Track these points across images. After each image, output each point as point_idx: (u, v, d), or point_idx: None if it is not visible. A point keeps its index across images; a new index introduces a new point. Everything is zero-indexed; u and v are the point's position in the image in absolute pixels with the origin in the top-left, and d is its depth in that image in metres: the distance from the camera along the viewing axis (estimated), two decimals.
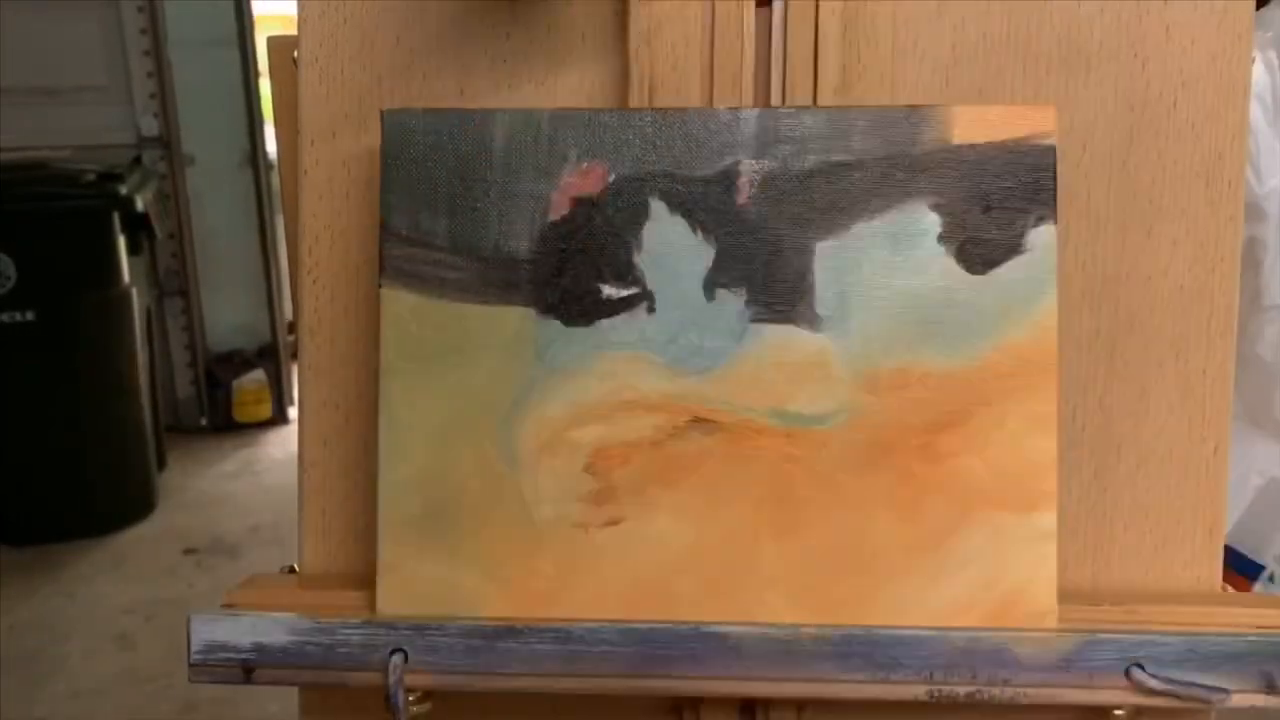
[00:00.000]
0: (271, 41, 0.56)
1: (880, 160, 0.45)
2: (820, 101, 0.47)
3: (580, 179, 0.45)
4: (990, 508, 0.44)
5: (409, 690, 0.44)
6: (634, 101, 0.47)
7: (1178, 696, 0.43)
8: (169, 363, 2.92)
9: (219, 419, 2.95)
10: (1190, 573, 0.48)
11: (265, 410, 2.97)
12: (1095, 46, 0.47)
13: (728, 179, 0.45)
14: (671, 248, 0.45)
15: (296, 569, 0.50)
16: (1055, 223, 0.44)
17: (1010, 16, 0.47)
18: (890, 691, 0.43)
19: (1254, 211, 1.12)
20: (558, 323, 0.45)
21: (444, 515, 0.45)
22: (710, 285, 0.45)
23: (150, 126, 2.81)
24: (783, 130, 0.45)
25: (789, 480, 0.44)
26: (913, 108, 0.45)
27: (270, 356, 3.04)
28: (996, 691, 0.43)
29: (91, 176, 2.34)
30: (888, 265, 0.45)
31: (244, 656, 0.45)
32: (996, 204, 0.45)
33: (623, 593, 0.45)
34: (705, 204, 0.45)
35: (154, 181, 2.69)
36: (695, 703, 0.48)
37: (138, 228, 2.40)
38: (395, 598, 0.45)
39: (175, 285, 2.92)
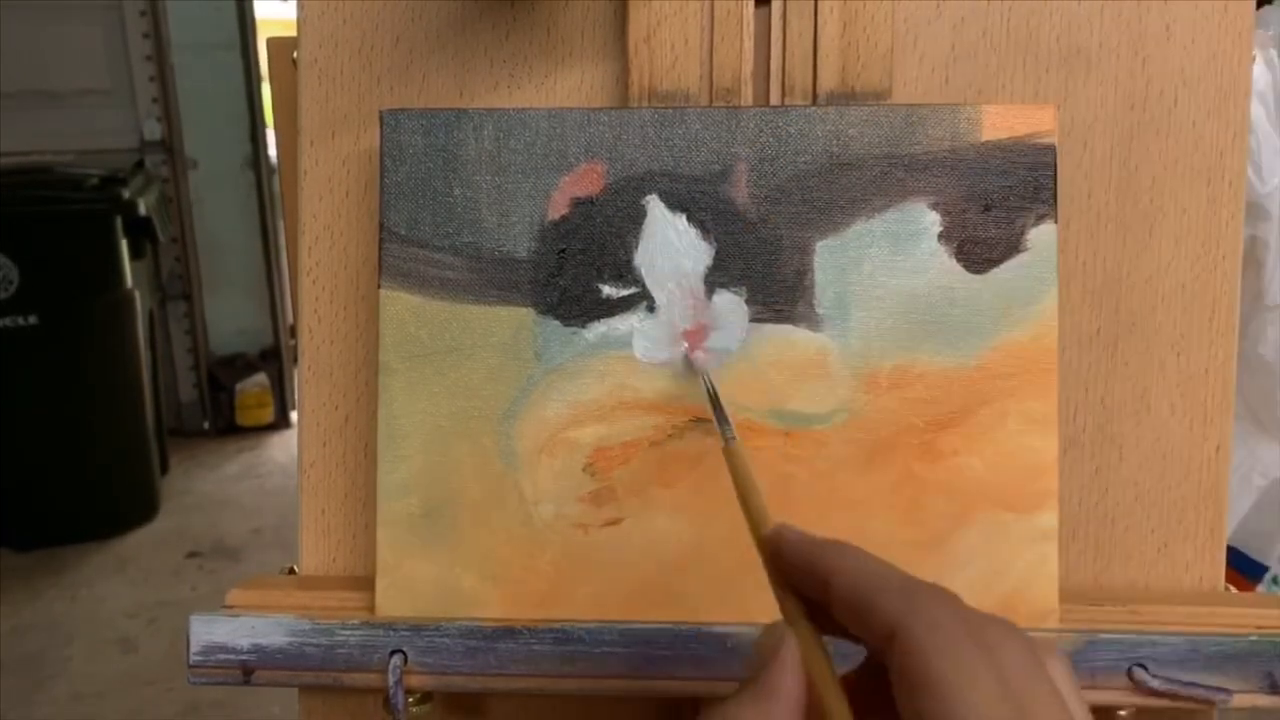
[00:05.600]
0: (271, 42, 0.56)
1: (880, 159, 0.45)
2: (820, 101, 0.47)
3: (579, 179, 0.45)
4: (991, 507, 0.44)
5: (408, 691, 0.44)
6: (633, 101, 0.47)
7: (1180, 697, 0.43)
8: (172, 366, 2.92)
9: (221, 422, 2.96)
10: (1192, 573, 0.48)
11: (268, 414, 2.98)
12: (1095, 45, 0.47)
13: (727, 178, 0.45)
14: (671, 247, 0.45)
15: (296, 570, 0.50)
16: (1056, 222, 0.44)
17: (1010, 15, 0.47)
18: None
19: (1256, 211, 1.12)
20: (557, 322, 0.45)
21: (443, 515, 0.45)
22: (710, 285, 0.45)
23: (153, 130, 2.81)
24: (782, 129, 0.45)
25: (788, 480, 0.44)
26: (912, 107, 0.45)
27: (273, 360, 3.04)
28: None
29: (94, 180, 2.35)
30: (888, 264, 0.45)
31: (243, 658, 0.45)
32: (997, 203, 0.44)
33: (623, 593, 0.45)
34: (705, 203, 0.45)
35: (157, 185, 2.69)
36: (695, 703, 0.48)
37: (140, 231, 2.41)
38: (394, 598, 0.45)
39: (178, 289, 2.93)
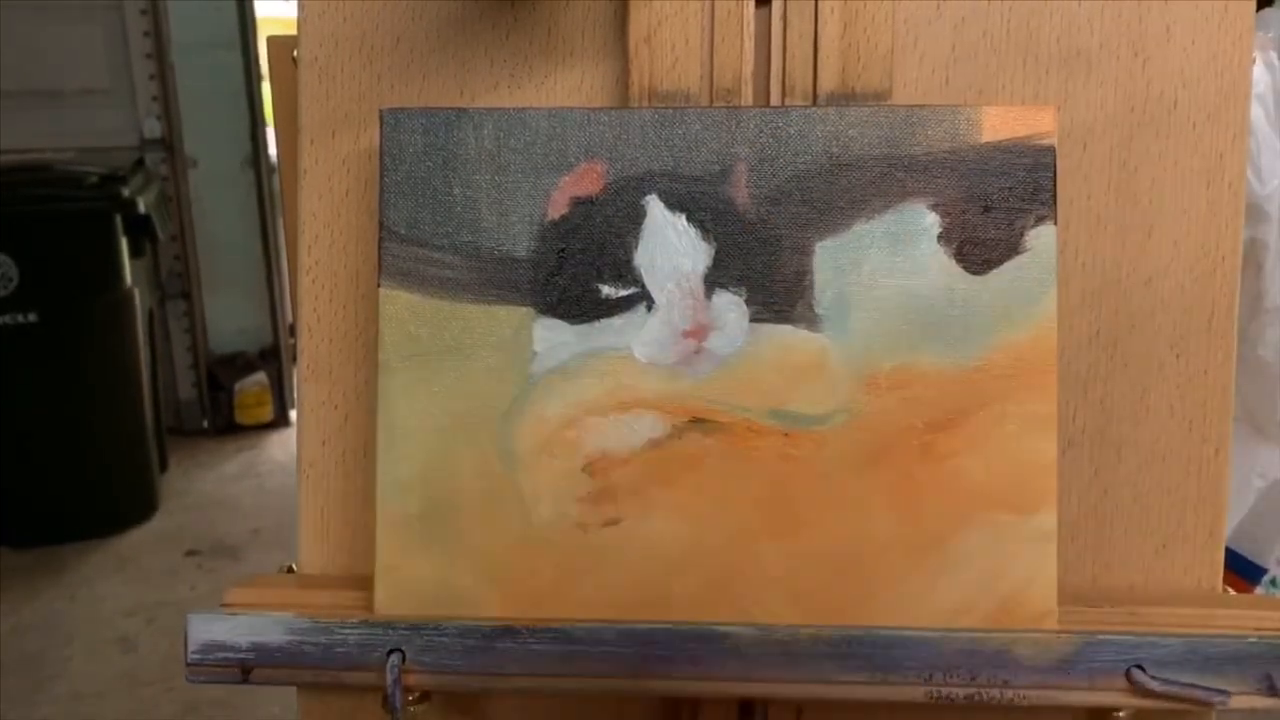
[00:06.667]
0: (271, 41, 0.56)
1: (880, 160, 0.45)
2: (820, 101, 0.47)
3: (579, 178, 0.45)
4: (990, 508, 0.44)
5: (407, 690, 0.44)
6: (634, 101, 0.47)
7: (1178, 698, 0.43)
8: (171, 365, 2.92)
9: (221, 421, 2.95)
10: (1191, 575, 0.48)
11: (267, 412, 2.98)
12: (1095, 46, 0.47)
13: (727, 178, 0.45)
14: (670, 247, 0.45)
15: (295, 569, 0.50)
16: (1055, 223, 0.44)
17: (1010, 16, 0.47)
18: (889, 693, 0.43)
19: (1255, 212, 1.12)
20: (556, 322, 0.45)
21: (442, 515, 0.45)
22: (709, 285, 0.45)
23: (153, 129, 2.81)
24: (782, 130, 0.45)
25: (788, 480, 0.44)
26: (912, 108, 0.45)
27: (272, 359, 3.04)
28: (996, 693, 0.43)
29: (94, 179, 2.34)
30: (887, 265, 0.45)
31: (242, 656, 0.45)
32: (996, 204, 0.44)
33: (621, 593, 0.45)
34: (704, 204, 0.45)
35: (156, 184, 2.69)
36: (694, 703, 0.48)
37: (140, 230, 2.40)
38: (393, 597, 0.45)
39: (177, 287, 2.93)
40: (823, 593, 0.44)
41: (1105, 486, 0.48)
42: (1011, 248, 0.44)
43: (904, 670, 0.43)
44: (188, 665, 0.45)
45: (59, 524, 2.34)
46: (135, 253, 2.38)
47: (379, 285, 0.45)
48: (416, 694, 0.45)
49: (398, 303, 0.45)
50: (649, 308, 0.45)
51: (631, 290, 0.45)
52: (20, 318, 2.23)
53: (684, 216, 0.45)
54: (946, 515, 0.44)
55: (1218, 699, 0.43)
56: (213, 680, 0.45)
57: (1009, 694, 0.43)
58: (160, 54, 2.76)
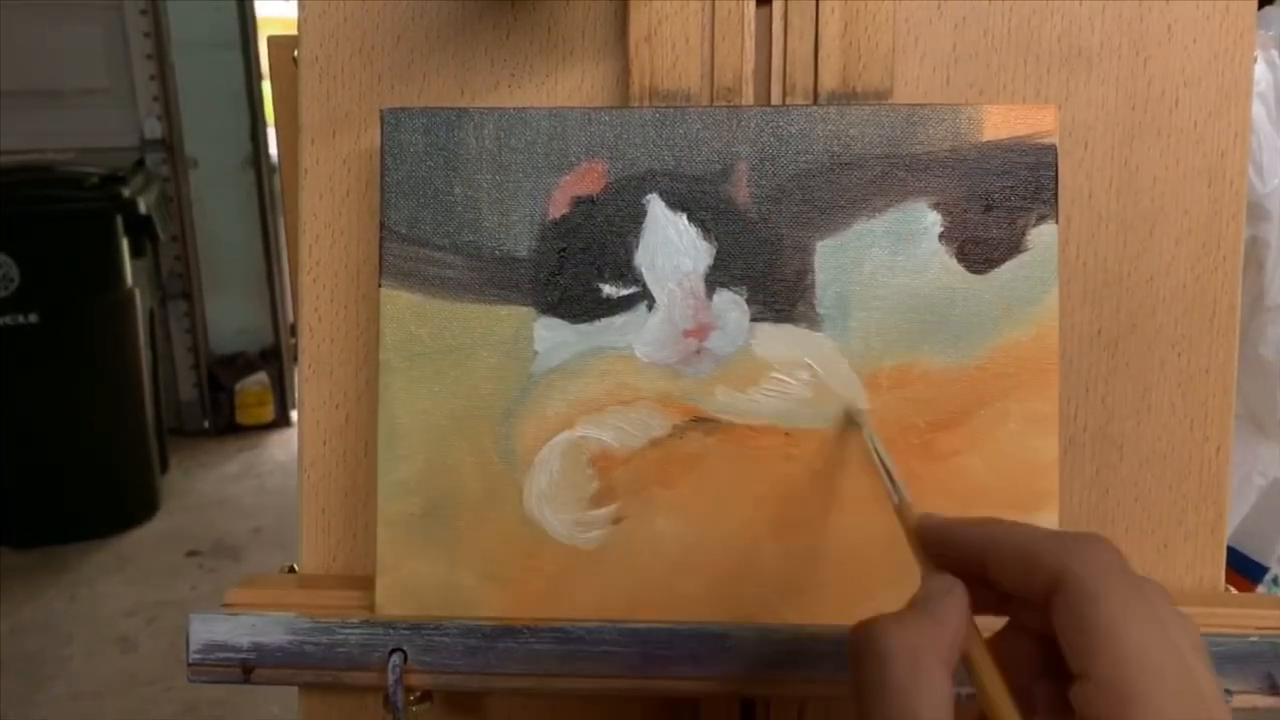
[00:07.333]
0: (272, 41, 0.56)
1: (880, 159, 0.45)
2: (820, 100, 0.47)
3: (580, 178, 0.45)
4: (991, 507, 0.44)
5: (408, 690, 0.44)
6: (634, 100, 0.47)
7: None
8: (172, 365, 2.92)
9: (221, 421, 2.95)
10: (1192, 574, 0.48)
11: (268, 413, 2.98)
12: (1096, 45, 0.47)
13: (728, 178, 0.45)
14: (671, 246, 0.45)
15: (296, 569, 0.50)
16: (1056, 222, 0.44)
17: (1011, 15, 0.47)
18: None
19: (1257, 211, 1.12)
20: (557, 322, 0.45)
21: (443, 515, 0.45)
22: (710, 284, 0.45)
23: (153, 129, 2.81)
24: (783, 129, 0.45)
25: (789, 479, 0.44)
26: (913, 107, 0.45)
27: (273, 359, 3.04)
28: None
29: (95, 179, 2.35)
30: (888, 264, 0.44)
31: (243, 656, 0.45)
32: (997, 203, 0.44)
33: (622, 592, 0.45)
34: (705, 203, 0.45)
35: (157, 184, 2.69)
36: (695, 703, 0.48)
37: (141, 230, 2.41)
38: (394, 597, 0.45)
39: (178, 288, 2.93)
40: (824, 592, 0.44)
41: (1106, 485, 0.48)
42: (1013, 246, 0.44)
43: None
44: (189, 665, 0.45)
45: (60, 524, 2.34)
46: (136, 253, 2.39)
47: (380, 285, 0.45)
48: (418, 694, 0.45)
49: (398, 302, 0.45)
50: (650, 307, 0.45)
51: (632, 289, 0.45)
52: (21, 318, 2.23)
53: (685, 216, 0.45)
54: (948, 514, 0.44)
55: None
56: (214, 680, 0.45)
57: None
58: (160, 54, 2.76)
